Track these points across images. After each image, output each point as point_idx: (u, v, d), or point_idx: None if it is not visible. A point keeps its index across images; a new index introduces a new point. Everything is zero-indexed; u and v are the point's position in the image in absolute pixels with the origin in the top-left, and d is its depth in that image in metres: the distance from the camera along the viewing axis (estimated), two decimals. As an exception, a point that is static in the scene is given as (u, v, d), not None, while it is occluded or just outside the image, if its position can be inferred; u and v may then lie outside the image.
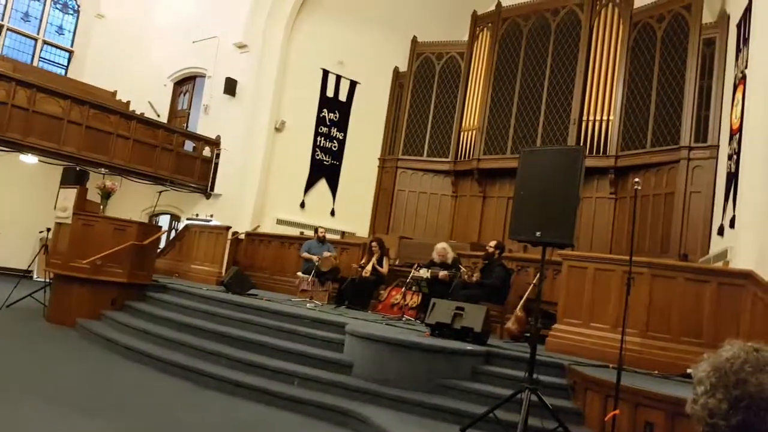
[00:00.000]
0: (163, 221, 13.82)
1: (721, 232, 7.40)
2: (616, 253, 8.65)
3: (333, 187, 12.97)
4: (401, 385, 4.96)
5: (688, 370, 4.81)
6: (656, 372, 4.93)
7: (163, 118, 13.74)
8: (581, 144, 10.32)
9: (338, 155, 13.08)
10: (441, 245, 7.86)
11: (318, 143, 12.73)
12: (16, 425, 3.76)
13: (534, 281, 6.61)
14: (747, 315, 4.98)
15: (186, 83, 14.32)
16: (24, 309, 8.07)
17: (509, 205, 11.35)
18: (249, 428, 4.38)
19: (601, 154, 10.31)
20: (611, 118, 10.34)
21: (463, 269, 7.27)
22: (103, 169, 10.75)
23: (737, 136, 7.04)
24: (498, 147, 11.70)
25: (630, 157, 10.02)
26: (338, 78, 12.99)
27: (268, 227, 11.64)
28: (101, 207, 8.59)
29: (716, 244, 7.62)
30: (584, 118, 10.64)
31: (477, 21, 12.66)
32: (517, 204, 4.42)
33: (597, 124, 10.46)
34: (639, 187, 4.32)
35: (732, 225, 6.61)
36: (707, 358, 1.04)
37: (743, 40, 7.29)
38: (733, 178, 6.97)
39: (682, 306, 5.22)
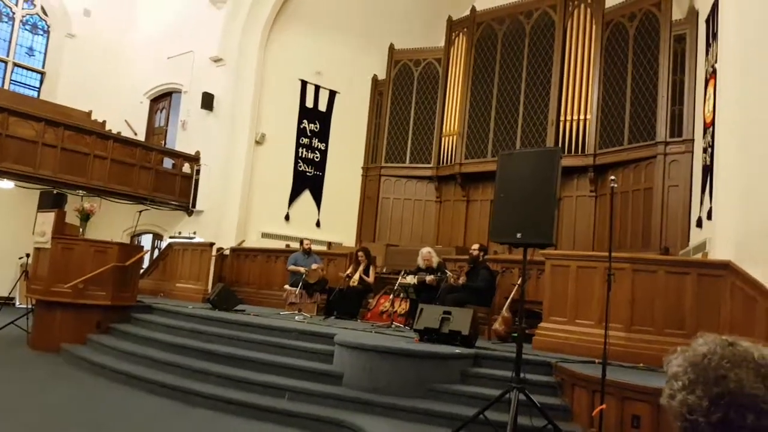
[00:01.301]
0: (146, 241, 13.74)
1: (699, 224, 7.59)
2: (599, 250, 8.80)
3: (317, 198, 13.01)
4: (392, 392, 5.03)
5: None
6: (641, 365, 5.05)
7: (141, 136, 13.68)
8: (560, 144, 10.51)
9: (321, 166, 13.14)
10: (425, 250, 7.95)
11: (300, 154, 12.77)
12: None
13: (519, 282, 6.72)
14: (727, 305, 5.13)
15: (162, 100, 14.29)
16: (6, 336, 7.98)
17: (492, 208, 11.49)
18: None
19: (579, 153, 10.50)
20: (588, 117, 10.54)
21: (449, 273, 7.37)
22: (81, 191, 10.69)
23: (711, 129, 7.25)
24: (479, 151, 11.86)
25: (608, 154, 10.23)
26: (317, 88, 13.08)
27: (253, 241, 11.64)
28: (80, 230, 8.54)
29: (695, 236, 7.81)
30: (562, 118, 10.84)
31: (452, 26, 12.85)
32: (497, 206, 4.53)
33: (574, 123, 10.66)
34: (615, 185, 4.45)
35: (709, 217, 6.80)
36: (681, 352, 1.04)
37: (712, 35, 7.52)
38: (708, 170, 7.17)
39: (665, 299, 5.36)
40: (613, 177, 4.69)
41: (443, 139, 12.53)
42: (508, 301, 6.63)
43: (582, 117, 10.61)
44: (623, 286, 5.37)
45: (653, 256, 6.55)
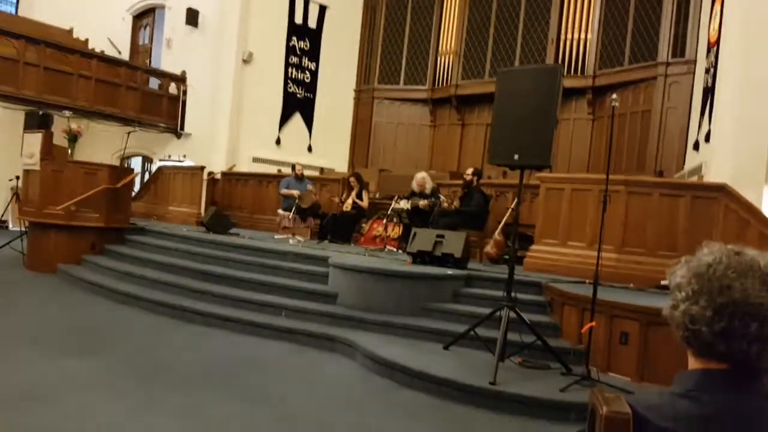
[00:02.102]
0: (135, 164, 13.55)
1: (696, 147, 7.52)
2: (594, 174, 8.76)
3: (308, 121, 12.70)
4: (386, 311, 5.14)
5: (663, 282, 5.04)
6: (632, 285, 5.14)
7: (125, 55, 13.16)
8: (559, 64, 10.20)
9: (312, 87, 12.72)
10: (420, 174, 7.87)
11: (290, 75, 12.32)
12: (2, 368, 3.81)
13: (512, 206, 6.72)
14: (720, 227, 5.16)
15: (146, 16, 13.62)
16: (3, 258, 8.02)
17: (488, 131, 11.25)
18: (241, 357, 4.51)
19: (579, 74, 10.22)
20: (589, 36, 10.19)
21: (442, 198, 7.34)
22: (67, 112, 10.37)
23: (714, 49, 7.01)
24: (476, 71, 11.51)
25: (607, 75, 9.97)
26: (306, 2, 12.40)
27: (245, 166, 11.48)
28: (69, 151, 8.37)
29: (691, 160, 7.76)
30: (562, 36, 10.47)
31: (451, -63, 12.10)
32: (495, 127, 4.41)
33: (575, 42, 10.32)
34: (616, 104, 4.31)
35: (707, 139, 6.72)
36: (685, 262, 1.02)
37: (723, -52, 7.10)
38: (709, 92, 7.00)
39: (658, 221, 5.37)
40: (614, 96, 4.55)
41: (439, 58, 12.13)
42: (501, 224, 6.64)
43: (583, 36, 10.25)
44: (617, 209, 5.36)
45: (649, 179, 6.51)
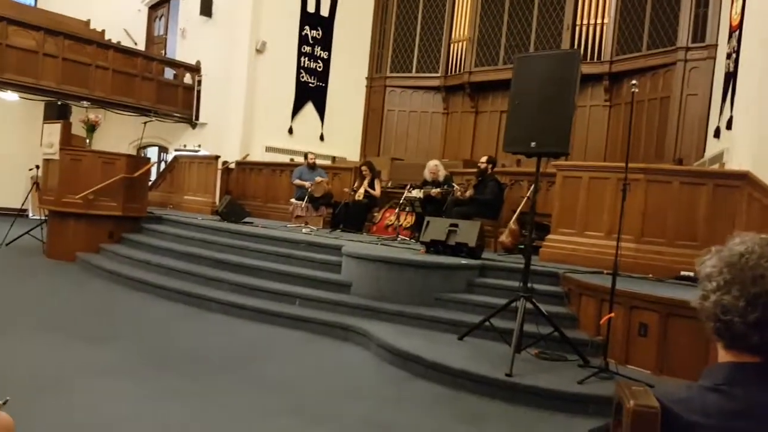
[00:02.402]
0: (152, 153, 13.58)
1: (717, 134, 7.28)
2: (611, 162, 8.56)
3: (320, 110, 12.57)
4: (399, 301, 5.05)
5: (683, 272, 4.88)
6: (651, 276, 4.99)
7: (141, 46, 13.13)
8: (575, 51, 9.95)
9: (324, 76, 12.57)
10: (432, 162, 7.73)
11: (302, 64, 12.18)
12: (23, 354, 3.81)
13: (528, 194, 6.56)
14: (743, 216, 4.96)
15: (161, 7, 13.56)
16: (23, 246, 8.08)
17: (502, 119, 11.10)
18: (255, 345, 4.47)
19: (595, 60, 9.96)
20: (605, 21, 9.91)
21: (456, 186, 7.19)
22: (84, 102, 10.39)
23: (737, 33, 6.75)
24: (490, 58, 11.28)
25: (625, 61, 9.69)
26: (319, -9, 12.26)
27: (258, 155, 11.41)
28: (87, 141, 8.39)
29: (712, 147, 7.51)
30: (578, 22, 10.21)
31: None
32: (512, 114, 4.26)
33: (591, 28, 10.05)
34: (636, 90, 4.15)
35: (729, 126, 6.48)
36: (715, 252, 0.98)
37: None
38: (731, 77, 6.75)
39: (677, 210, 5.19)
40: (634, 81, 4.36)
41: (452, 45, 11.90)
42: (516, 213, 6.49)
43: (599, 21, 9.98)
44: (636, 197, 5.20)
45: (669, 167, 6.30)
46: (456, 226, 5.64)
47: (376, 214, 8.76)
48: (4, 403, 0.87)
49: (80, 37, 10.83)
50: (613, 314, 3.84)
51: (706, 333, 0.96)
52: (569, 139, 3.96)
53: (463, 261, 5.28)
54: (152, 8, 13.66)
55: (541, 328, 4.08)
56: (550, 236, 5.93)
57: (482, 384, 3.64)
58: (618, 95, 10.03)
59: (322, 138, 12.52)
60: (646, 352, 3.99)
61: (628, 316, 4.06)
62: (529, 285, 4.04)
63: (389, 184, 9.72)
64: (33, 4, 13.83)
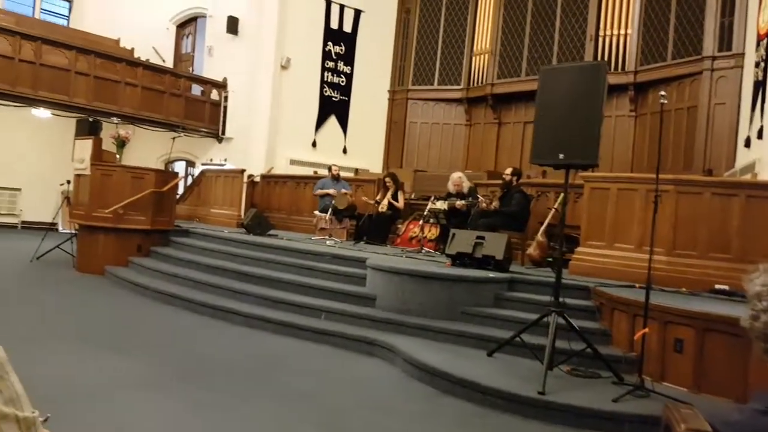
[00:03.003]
0: (179, 168, 13.74)
1: (747, 143, 7.05)
2: (638, 173, 8.37)
3: (343, 123, 12.60)
4: (425, 315, 4.95)
5: (717, 285, 4.69)
6: (684, 289, 4.81)
7: (169, 63, 13.35)
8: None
9: (347, 90, 12.62)
10: (456, 175, 7.64)
11: (325, 79, 12.25)
12: (54, 364, 3.82)
13: (555, 206, 6.43)
14: (777, 227, 4.77)
15: (188, 25, 13.80)
16: (54, 260, 8.19)
17: (526, 130, 11.00)
18: (280, 358, 4.42)
19: (619, 70, 9.80)
20: (629, 31, 9.75)
21: (480, 198, 7.08)
22: (114, 119, 10.56)
23: (765, 41, 6.56)
24: (512, 70, 11.19)
25: (650, 71, 9.51)
26: (342, 8, 12.33)
27: (282, 168, 11.47)
28: (117, 156, 8.50)
29: (743, 157, 7.28)
30: (601, 33, 10.07)
31: (484, -65, 11.80)
32: (538, 126, 4.17)
33: (614, 38, 9.90)
34: (665, 101, 4.02)
35: (760, 135, 6.27)
36: (764, 270, 0.93)
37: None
38: (761, 86, 6.55)
39: (709, 222, 5.02)
40: (663, 92, 4.24)
41: (474, 58, 11.84)
42: (544, 225, 6.35)
43: (623, 31, 9.82)
44: (666, 209, 5.03)
45: (699, 178, 6.11)
46: (483, 238, 5.53)
47: (399, 226, 8.68)
48: (45, 420, 0.83)
49: (111, 56, 11.07)
50: (647, 329, 3.69)
51: (756, 353, 0.91)
52: (598, 150, 3.85)
53: (491, 274, 5.16)
54: (180, 27, 13.91)
55: (573, 344, 3.95)
56: (579, 249, 5.78)
57: (514, 402, 3.51)
58: (644, 105, 9.84)
59: (345, 150, 12.54)
60: (683, 369, 3.82)
61: (663, 332, 3.90)
62: (561, 299, 3.91)
63: (412, 196, 9.66)
64: (66, 24, 14.18)
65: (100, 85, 10.67)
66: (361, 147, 12.64)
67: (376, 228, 8.23)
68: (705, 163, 8.40)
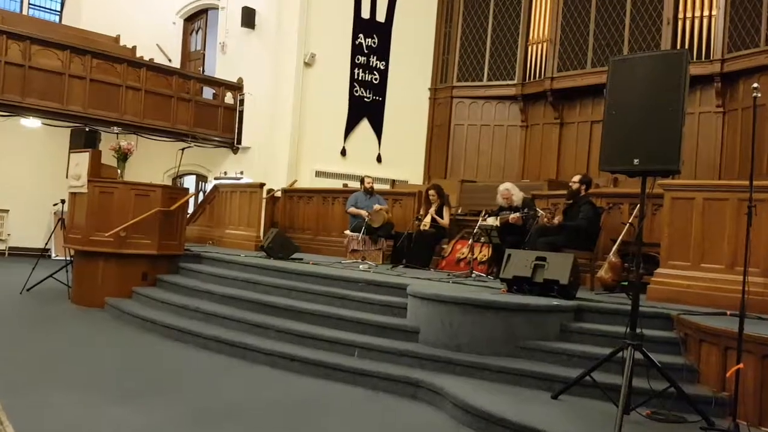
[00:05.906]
0: (189, 183, 14.14)
1: None
2: (727, 179, 8.32)
3: (377, 128, 12.85)
4: (476, 350, 5.04)
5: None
6: (787, 318, 4.80)
7: (176, 63, 13.84)
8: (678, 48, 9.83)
9: (381, 89, 12.88)
10: (503, 186, 7.75)
11: (356, 76, 12.55)
12: (51, 417, 3.95)
13: (630, 220, 6.46)
14: None
15: (197, 18, 14.29)
16: (46, 292, 8.37)
17: (593, 130, 11.04)
18: (309, 403, 4.54)
19: (703, 59, 9.82)
20: (713, 12, 9.79)
21: (540, 212, 7.17)
22: (115, 128, 10.99)
23: None
24: (576, 61, 11.29)
25: (740, 59, 9.50)
26: (374, -6, 12.67)
27: (307, 181, 11.75)
28: (119, 171, 8.69)
29: None
30: (680, 15, 10.14)
31: None
32: (608, 127, 4.28)
33: (696, 21, 9.96)
34: (758, 94, 4.09)
35: None
36: None
37: None
38: None
39: (818, 237, 5.00)
40: (756, 84, 4.30)
41: (530, 48, 12.01)
42: (617, 243, 6.39)
43: (706, 12, 9.86)
44: (763, 222, 5.05)
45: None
46: (544, 259, 5.62)
47: (445, 246, 8.80)
48: None
49: (109, 55, 11.49)
50: (742, 365, 3.72)
51: None
52: (680, 154, 3.94)
53: (555, 302, 5.24)
54: (188, 20, 14.43)
55: (653, 383, 4.00)
56: (658, 270, 5.80)
57: (584, 450, 3.59)
58: (733, 99, 9.80)
59: (379, 159, 12.77)
60: (787, 413, 3.83)
61: (761, 367, 3.92)
62: (637, 330, 3.98)
63: (459, 211, 9.79)
64: (58, 21, 14.82)
65: (97, 90, 11.05)
66: (398, 155, 12.86)
67: (417, 249, 8.37)
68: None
